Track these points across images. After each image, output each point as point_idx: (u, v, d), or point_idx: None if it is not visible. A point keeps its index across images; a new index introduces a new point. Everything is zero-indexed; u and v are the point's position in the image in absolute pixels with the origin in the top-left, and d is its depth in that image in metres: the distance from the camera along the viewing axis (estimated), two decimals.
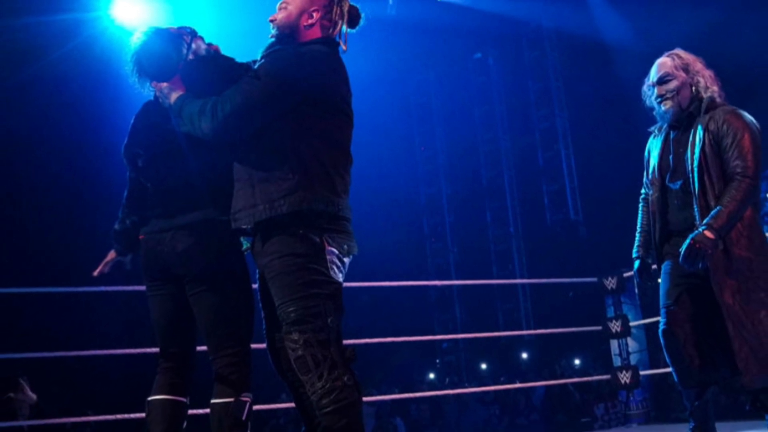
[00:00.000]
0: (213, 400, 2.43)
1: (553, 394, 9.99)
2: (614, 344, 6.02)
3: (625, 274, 5.77)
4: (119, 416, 4.09)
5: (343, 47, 2.50)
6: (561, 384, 9.15)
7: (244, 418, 2.39)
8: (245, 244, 2.54)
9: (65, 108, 9.82)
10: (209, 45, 2.62)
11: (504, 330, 14.29)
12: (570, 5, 12.88)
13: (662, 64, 3.24)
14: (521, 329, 14.47)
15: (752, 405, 3.08)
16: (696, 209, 3.08)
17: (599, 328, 6.03)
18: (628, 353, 5.94)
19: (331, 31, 2.48)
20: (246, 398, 2.42)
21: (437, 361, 16.13)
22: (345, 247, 2.35)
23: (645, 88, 3.32)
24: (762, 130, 3.10)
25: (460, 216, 16.93)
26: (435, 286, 16.39)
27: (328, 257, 2.30)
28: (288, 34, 2.45)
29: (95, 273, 2.77)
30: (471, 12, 12.35)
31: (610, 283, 5.89)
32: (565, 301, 12.73)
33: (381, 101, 12.90)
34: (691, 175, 3.10)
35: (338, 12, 2.47)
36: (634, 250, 3.50)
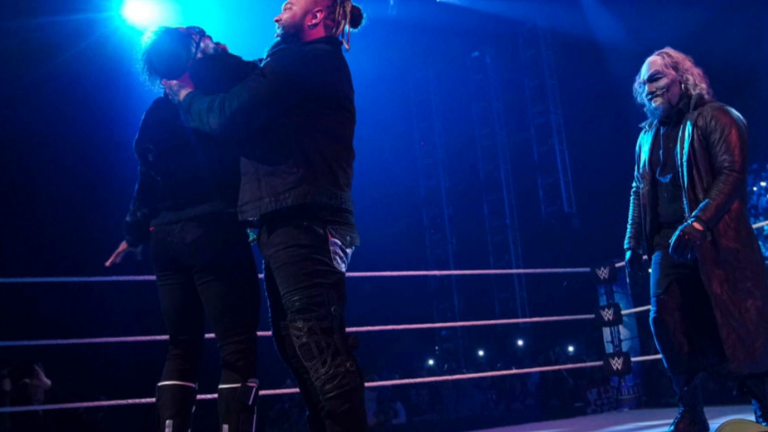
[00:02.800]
0: (221, 386, 2.48)
1: (547, 380, 10.04)
2: (606, 332, 6.08)
3: (617, 265, 5.83)
4: (130, 401, 4.14)
5: (346, 46, 2.54)
6: (555, 370, 9.21)
7: (250, 402, 2.44)
8: (252, 236, 2.58)
9: (78, 104, 9.83)
10: (217, 44, 2.65)
11: (500, 318, 14.39)
12: (564, 6, 12.95)
13: (653, 62, 3.30)
14: (517, 317, 14.57)
15: (739, 390, 3.14)
16: (685, 202, 3.14)
17: (592, 316, 6.10)
18: (620, 340, 6.00)
19: (334, 30, 2.52)
20: (252, 384, 2.47)
21: (436, 348, 16.20)
22: (347, 238, 2.40)
23: (636, 85, 3.37)
24: (748, 126, 3.16)
25: (458, 208, 17.00)
26: (434, 276, 16.44)
27: (331, 248, 2.34)
28: (293, 33, 2.49)
29: (107, 263, 2.82)
30: (469, 12, 12.42)
31: (603, 272, 5.96)
32: (559, 290, 12.81)
33: (382, 98, 12.98)
34: (680, 169, 3.16)
35: (341, 12, 2.51)
36: (626, 241, 3.55)
